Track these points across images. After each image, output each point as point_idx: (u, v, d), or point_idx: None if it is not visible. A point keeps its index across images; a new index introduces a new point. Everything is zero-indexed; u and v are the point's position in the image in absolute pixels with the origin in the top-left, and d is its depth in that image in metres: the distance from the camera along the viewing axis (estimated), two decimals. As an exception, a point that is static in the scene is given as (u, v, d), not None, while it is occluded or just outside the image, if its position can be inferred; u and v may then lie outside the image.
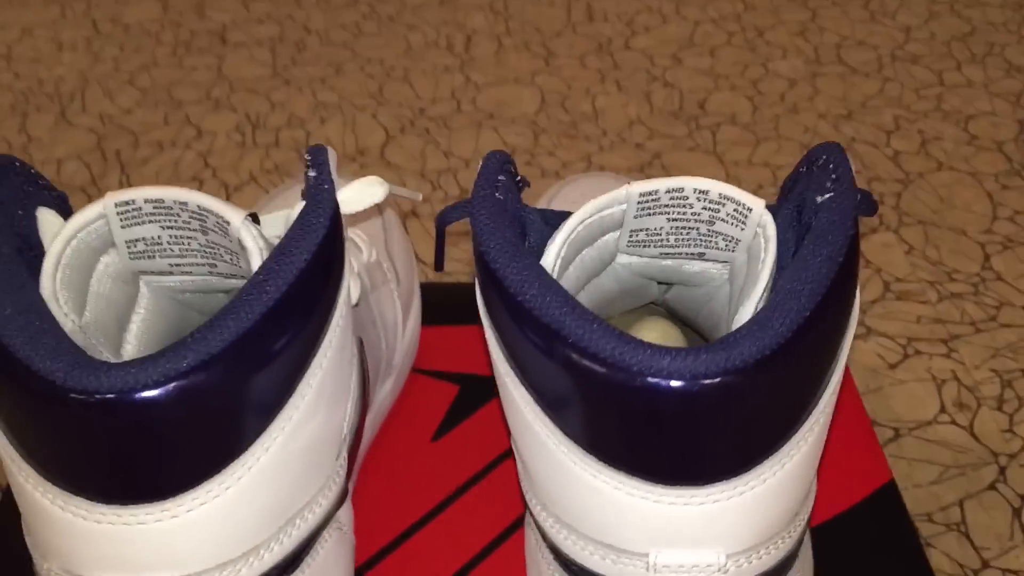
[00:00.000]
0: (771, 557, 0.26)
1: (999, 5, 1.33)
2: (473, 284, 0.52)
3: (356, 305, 0.33)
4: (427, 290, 0.51)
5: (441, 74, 1.12)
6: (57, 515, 0.25)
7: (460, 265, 0.91)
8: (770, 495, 0.25)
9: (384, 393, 0.42)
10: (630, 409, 0.24)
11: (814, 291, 0.24)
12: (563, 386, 0.24)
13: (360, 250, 0.38)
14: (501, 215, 0.27)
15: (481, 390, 0.45)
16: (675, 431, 0.24)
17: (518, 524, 0.38)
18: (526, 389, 0.26)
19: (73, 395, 0.22)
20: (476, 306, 0.48)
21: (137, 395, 0.23)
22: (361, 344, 0.33)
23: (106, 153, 0.98)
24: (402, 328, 0.44)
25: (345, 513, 0.32)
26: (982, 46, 1.23)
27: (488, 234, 0.26)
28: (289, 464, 0.26)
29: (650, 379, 0.23)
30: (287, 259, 0.24)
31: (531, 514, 0.29)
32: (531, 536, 0.30)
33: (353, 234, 0.39)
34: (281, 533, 0.26)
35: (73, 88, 1.08)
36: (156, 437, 0.23)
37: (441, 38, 1.19)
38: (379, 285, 0.42)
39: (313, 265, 0.25)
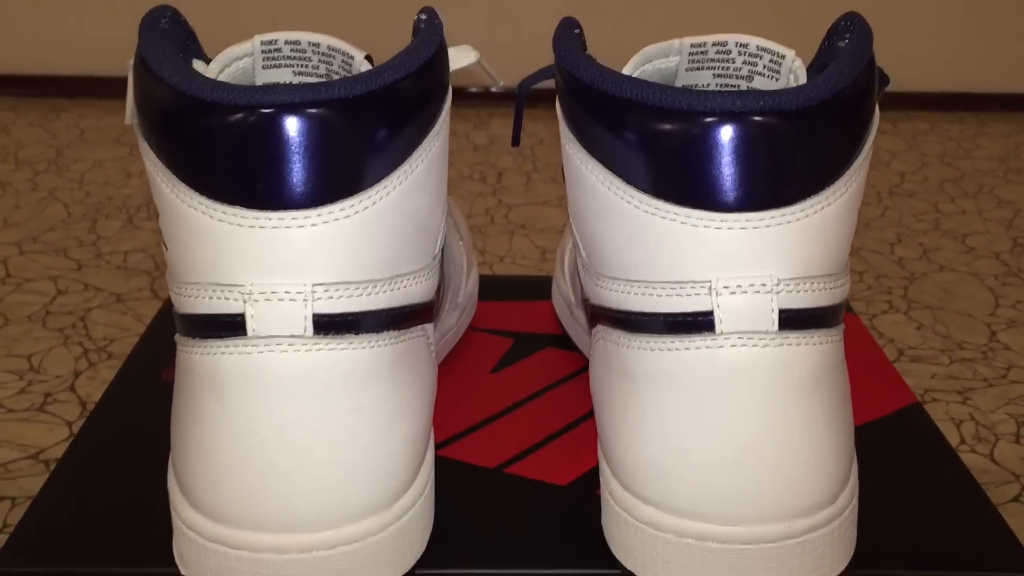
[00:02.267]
0: (815, 296, 0.31)
1: (985, 158, 1.45)
2: (519, 277, 0.58)
3: None
4: (480, 280, 0.57)
5: (476, 198, 1.22)
6: (215, 227, 0.30)
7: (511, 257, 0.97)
8: (813, 228, 0.31)
9: (450, 324, 0.47)
10: (695, 146, 0.30)
11: (843, 75, 0.31)
12: (634, 146, 0.31)
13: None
14: (579, 47, 0.34)
15: (535, 342, 0.50)
16: (729, 163, 0.30)
17: (581, 419, 0.43)
18: (601, 164, 0.32)
19: (248, 108, 0.28)
20: (525, 290, 0.55)
21: (303, 109, 0.29)
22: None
23: (169, 249, 1.06)
24: (466, 274, 0.50)
25: (432, 333, 0.37)
26: (972, 186, 1.33)
27: (567, 52, 0.33)
28: (403, 217, 0.31)
29: (708, 118, 0.30)
30: (413, 54, 0.32)
31: (595, 306, 0.34)
32: (600, 346, 0.35)
33: None
34: (394, 282, 0.32)
35: (140, 203, 1.18)
36: (304, 150, 0.29)
37: (475, 173, 1.30)
38: (449, 229, 0.48)
39: (429, 64, 0.32)
